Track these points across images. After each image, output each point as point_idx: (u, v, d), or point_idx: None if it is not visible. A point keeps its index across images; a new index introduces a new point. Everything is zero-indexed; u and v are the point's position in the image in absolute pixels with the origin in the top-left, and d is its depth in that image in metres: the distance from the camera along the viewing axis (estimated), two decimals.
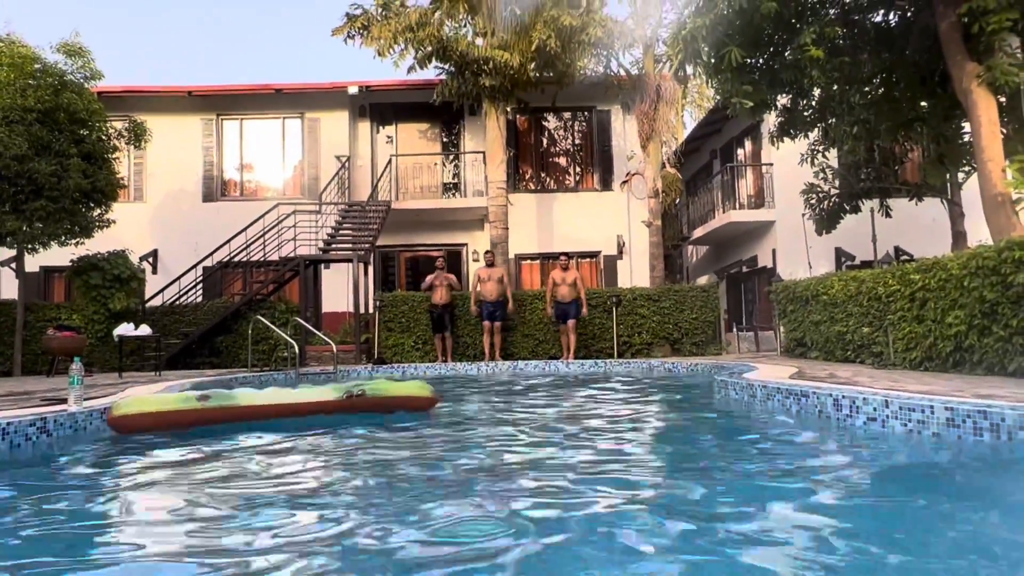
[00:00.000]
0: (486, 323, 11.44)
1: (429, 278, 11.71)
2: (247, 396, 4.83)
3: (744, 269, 16.37)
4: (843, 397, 3.96)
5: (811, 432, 3.96)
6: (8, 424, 3.80)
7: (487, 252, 12.40)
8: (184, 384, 6.80)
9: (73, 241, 11.08)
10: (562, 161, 17.09)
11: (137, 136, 11.68)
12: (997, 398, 3.51)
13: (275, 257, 13.33)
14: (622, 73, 14.86)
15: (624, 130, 16.10)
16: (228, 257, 13.26)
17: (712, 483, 2.78)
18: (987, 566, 1.78)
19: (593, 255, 16.18)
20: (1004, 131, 8.43)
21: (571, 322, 11.16)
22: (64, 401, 4.69)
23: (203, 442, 4.01)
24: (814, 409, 4.23)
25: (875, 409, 3.72)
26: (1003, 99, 8.15)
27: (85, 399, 4.84)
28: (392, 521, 2.32)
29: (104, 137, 11.15)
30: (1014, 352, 5.36)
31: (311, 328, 11.57)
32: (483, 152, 14.92)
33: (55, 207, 10.10)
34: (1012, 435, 3.06)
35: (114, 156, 11.39)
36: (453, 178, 16.85)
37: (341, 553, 1.98)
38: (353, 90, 15.56)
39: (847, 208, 11.98)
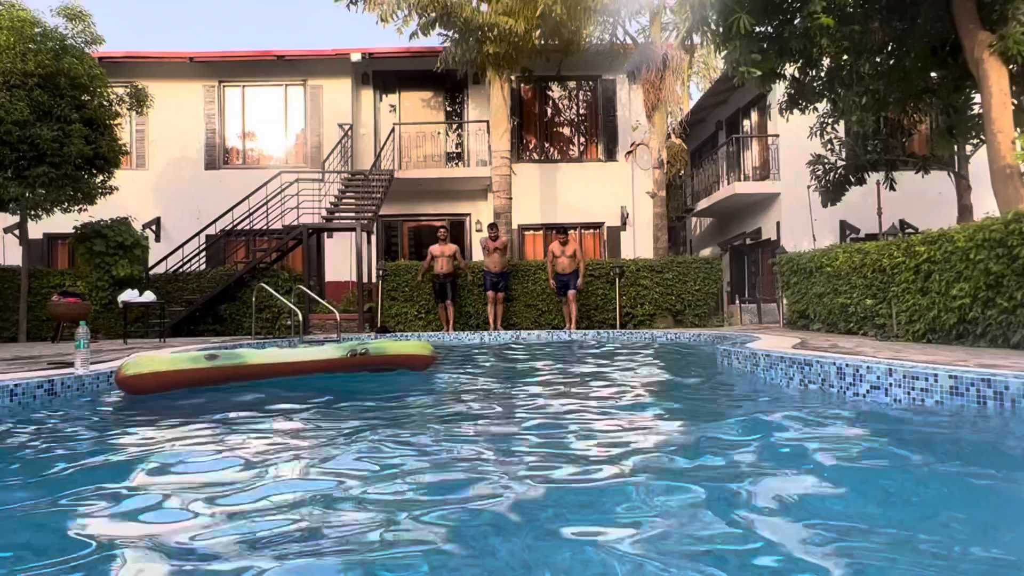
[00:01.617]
0: (490, 293, 11.50)
1: (431, 252, 11.66)
2: (255, 355, 4.88)
3: (748, 241, 16.32)
4: (847, 366, 3.97)
5: (813, 400, 3.98)
6: (16, 386, 3.83)
7: (491, 225, 12.28)
8: (189, 351, 6.82)
9: (76, 208, 11.04)
10: (566, 131, 16.96)
11: (139, 102, 11.57)
12: (1001, 368, 3.52)
13: (278, 225, 13.30)
14: (628, 41, 14.67)
15: (629, 100, 15.94)
16: (231, 225, 13.24)
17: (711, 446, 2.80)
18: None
19: (597, 226, 16.13)
20: (1015, 102, 8.33)
21: (571, 292, 11.18)
22: (71, 365, 4.71)
23: (209, 401, 4.04)
24: (817, 378, 4.24)
25: (878, 378, 3.74)
26: (1014, 68, 8.03)
27: (91, 364, 4.87)
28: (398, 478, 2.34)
29: (106, 103, 11.05)
30: (1017, 324, 5.36)
31: (314, 296, 11.59)
32: (487, 121, 14.80)
33: (57, 173, 10.05)
34: (1016, 403, 3.07)
35: (116, 122, 11.30)
36: (456, 147, 16.74)
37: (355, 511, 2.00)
38: (356, 57, 15.39)
39: (853, 180, 11.91)
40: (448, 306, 11.56)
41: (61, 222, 11.82)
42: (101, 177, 11.06)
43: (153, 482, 2.40)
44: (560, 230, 11.85)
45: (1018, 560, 1.59)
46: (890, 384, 3.67)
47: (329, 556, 1.63)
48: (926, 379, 3.47)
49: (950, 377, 3.34)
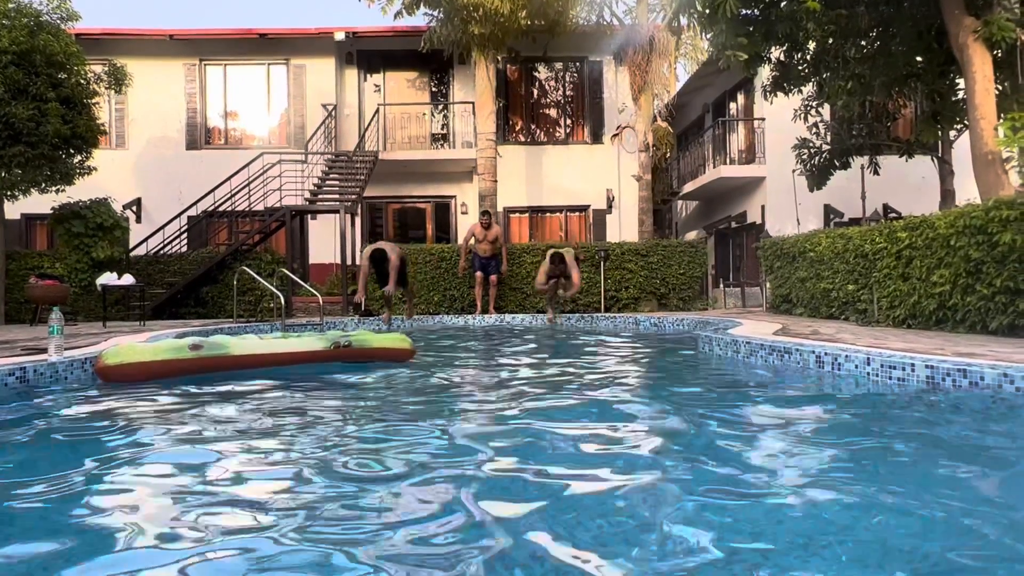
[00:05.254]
0: (478, 274, 11.28)
1: (367, 257, 10.00)
2: (239, 345, 4.83)
3: (733, 225, 16.36)
4: (826, 354, 3.99)
5: (793, 387, 4.00)
6: None
7: (484, 213, 11.73)
8: (168, 334, 6.76)
9: (54, 188, 10.87)
10: (552, 113, 16.86)
11: (118, 81, 11.35)
12: (977, 356, 3.54)
13: (261, 207, 13.16)
14: (615, 22, 14.57)
15: (616, 82, 15.85)
16: (213, 206, 13.09)
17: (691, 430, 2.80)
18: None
19: (582, 209, 16.10)
20: (999, 88, 8.35)
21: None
22: (46, 350, 4.64)
23: (187, 391, 4.00)
24: (797, 365, 4.26)
25: (857, 366, 3.75)
26: (999, 53, 8.03)
27: (68, 348, 4.80)
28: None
29: (83, 81, 10.83)
30: (996, 311, 5.41)
31: (297, 279, 11.50)
32: (472, 102, 14.68)
33: (34, 153, 9.86)
34: (993, 393, 3.09)
35: (94, 101, 11.09)
36: (442, 129, 16.61)
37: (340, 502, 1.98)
38: (340, 36, 15.18)
39: (837, 164, 11.94)
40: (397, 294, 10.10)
41: (40, 202, 11.63)
42: (79, 157, 10.87)
43: (129, 475, 2.37)
44: (558, 259, 9.86)
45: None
46: (868, 372, 3.69)
47: (321, 546, 1.61)
48: (903, 368, 3.48)
49: (927, 367, 3.36)
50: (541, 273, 10.10)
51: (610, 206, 15.84)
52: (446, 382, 4.66)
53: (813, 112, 11.74)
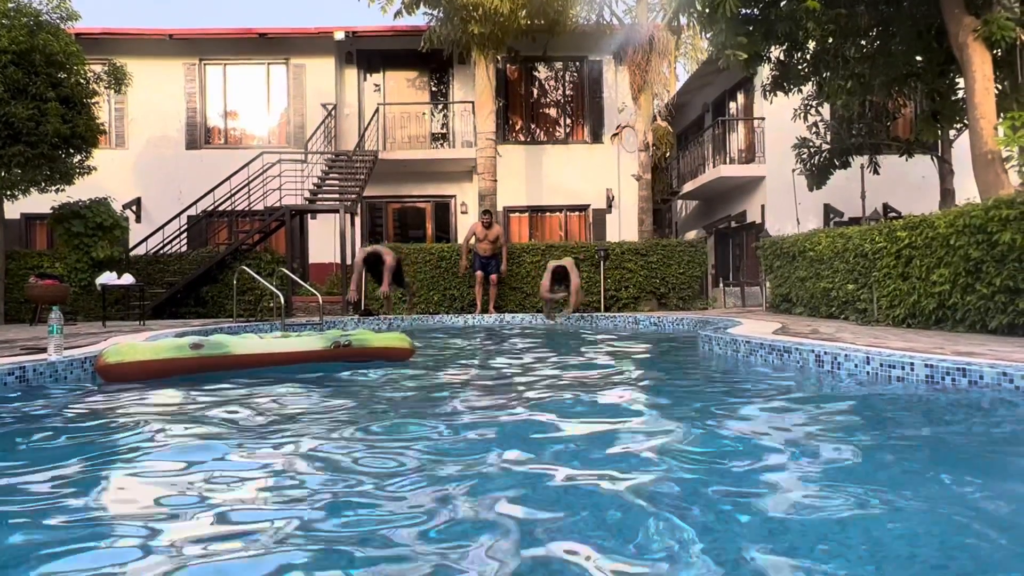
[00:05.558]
0: (479, 274, 11.28)
1: (361, 259, 10.34)
2: (239, 344, 4.83)
3: (733, 224, 16.36)
4: (825, 353, 3.99)
5: (793, 386, 4.00)
6: None
7: (484, 212, 11.80)
8: (168, 334, 6.76)
9: (53, 188, 10.87)
10: (552, 112, 16.85)
11: (117, 80, 11.34)
12: (976, 355, 3.54)
13: (260, 207, 13.16)
14: (614, 22, 14.57)
15: (616, 81, 15.85)
16: (213, 206, 13.09)
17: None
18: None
19: (582, 208, 16.09)
20: (998, 87, 8.35)
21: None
22: (44, 350, 4.64)
23: (187, 390, 3.99)
24: (797, 365, 4.26)
25: (856, 365, 3.75)
26: (999, 52, 8.03)
27: (68, 348, 4.80)
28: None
29: (83, 81, 10.82)
30: (995, 310, 5.41)
31: (296, 279, 11.50)
32: (472, 102, 14.68)
33: (34, 152, 9.85)
34: (992, 392, 3.09)
35: (93, 101, 11.07)
36: (442, 128, 16.61)
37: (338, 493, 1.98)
38: (339, 36, 15.17)
39: (837, 163, 11.94)
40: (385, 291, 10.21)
41: (40, 202, 11.63)
42: (79, 157, 10.87)
43: (129, 474, 2.37)
44: (561, 273, 10.08)
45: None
46: (868, 371, 3.69)
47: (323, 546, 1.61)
48: (902, 367, 3.48)
49: (926, 366, 3.36)
50: (545, 279, 10.20)
51: (610, 206, 15.83)
52: (446, 381, 4.67)
53: (813, 111, 11.74)
